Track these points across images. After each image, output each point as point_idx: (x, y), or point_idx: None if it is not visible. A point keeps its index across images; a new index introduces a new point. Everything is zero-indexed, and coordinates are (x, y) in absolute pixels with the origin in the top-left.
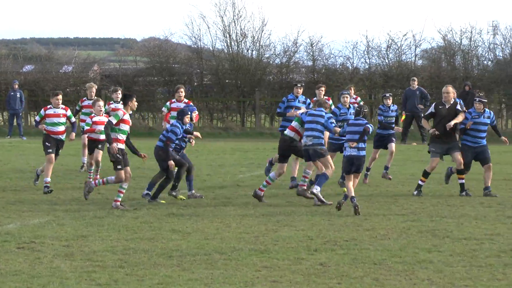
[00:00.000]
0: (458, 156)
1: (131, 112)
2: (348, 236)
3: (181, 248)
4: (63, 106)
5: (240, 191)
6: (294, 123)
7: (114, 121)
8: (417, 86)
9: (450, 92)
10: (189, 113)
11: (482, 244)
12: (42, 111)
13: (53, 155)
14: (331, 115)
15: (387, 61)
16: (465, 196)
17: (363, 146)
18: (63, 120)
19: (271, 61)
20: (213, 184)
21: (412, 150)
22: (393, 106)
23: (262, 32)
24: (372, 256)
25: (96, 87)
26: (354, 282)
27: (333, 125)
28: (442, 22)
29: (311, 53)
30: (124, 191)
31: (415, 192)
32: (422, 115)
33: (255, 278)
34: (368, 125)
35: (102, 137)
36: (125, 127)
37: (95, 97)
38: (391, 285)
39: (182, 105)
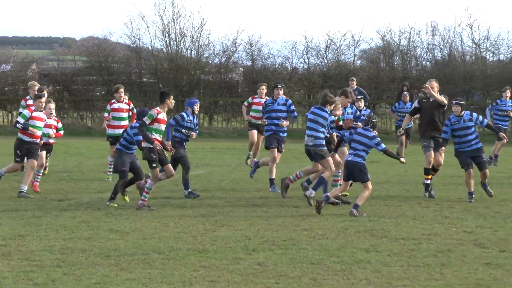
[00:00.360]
0: (430, 156)
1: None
2: (286, 236)
3: (119, 247)
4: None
5: (178, 191)
6: None
7: (148, 121)
8: (355, 86)
9: (434, 87)
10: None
11: (419, 244)
12: (27, 113)
13: (20, 165)
14: (333, 117)
15: (326, 61)
16: (428, 197)
17: (362, 154)
18: (42, 124)
19: (210, 61)
20: None
21: None
22: (365, 110)
23: (201, 31)
24: (310, 256)
25: (39, 86)
26: (292, 282)
27: (333, 131)
28: (381, 23)
29: (250, 53)
30: (150, 191)
31: (426, 194)
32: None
33: (193, 278)
34: (379, 142)
35: (52, 140)
36: (161, 127)
37: (47, 99)
38: (329, 285)
39: (123, 105)
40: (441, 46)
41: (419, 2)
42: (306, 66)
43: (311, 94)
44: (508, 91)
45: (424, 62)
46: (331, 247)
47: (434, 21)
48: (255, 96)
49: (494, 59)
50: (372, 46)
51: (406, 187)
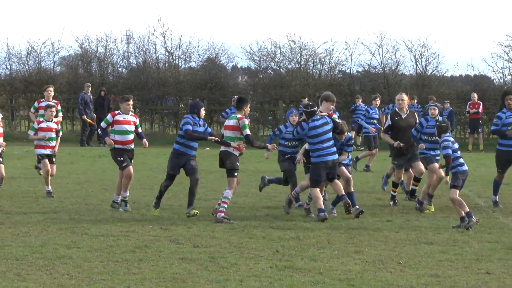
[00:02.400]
0: (420, 166)
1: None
2: None
3: None
4: None
5: None
6: None
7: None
8: (89, 93)
9: (405, 100)
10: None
11: (118, 241)
12: None
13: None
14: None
15: (27, 67)
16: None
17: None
18: None
19: None
20: None
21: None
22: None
23: None
24: (14, 252)
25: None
26: None
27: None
28: (79, 31)
29: None
30: (228, 201)
31: (391, 203)
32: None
33: None
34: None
35: None
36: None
37: None
38: (33, 279)
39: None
40: (136, 53)
41: (114, 12)
42: (8, 72)
43: (13, 99)
44: (378, 99)
45: (120, 69)
46: (35, 243)
47: (129, 30)
48: (41, 100)
49: (186, 66)
50: (71, 53)
51: (105, 187)
